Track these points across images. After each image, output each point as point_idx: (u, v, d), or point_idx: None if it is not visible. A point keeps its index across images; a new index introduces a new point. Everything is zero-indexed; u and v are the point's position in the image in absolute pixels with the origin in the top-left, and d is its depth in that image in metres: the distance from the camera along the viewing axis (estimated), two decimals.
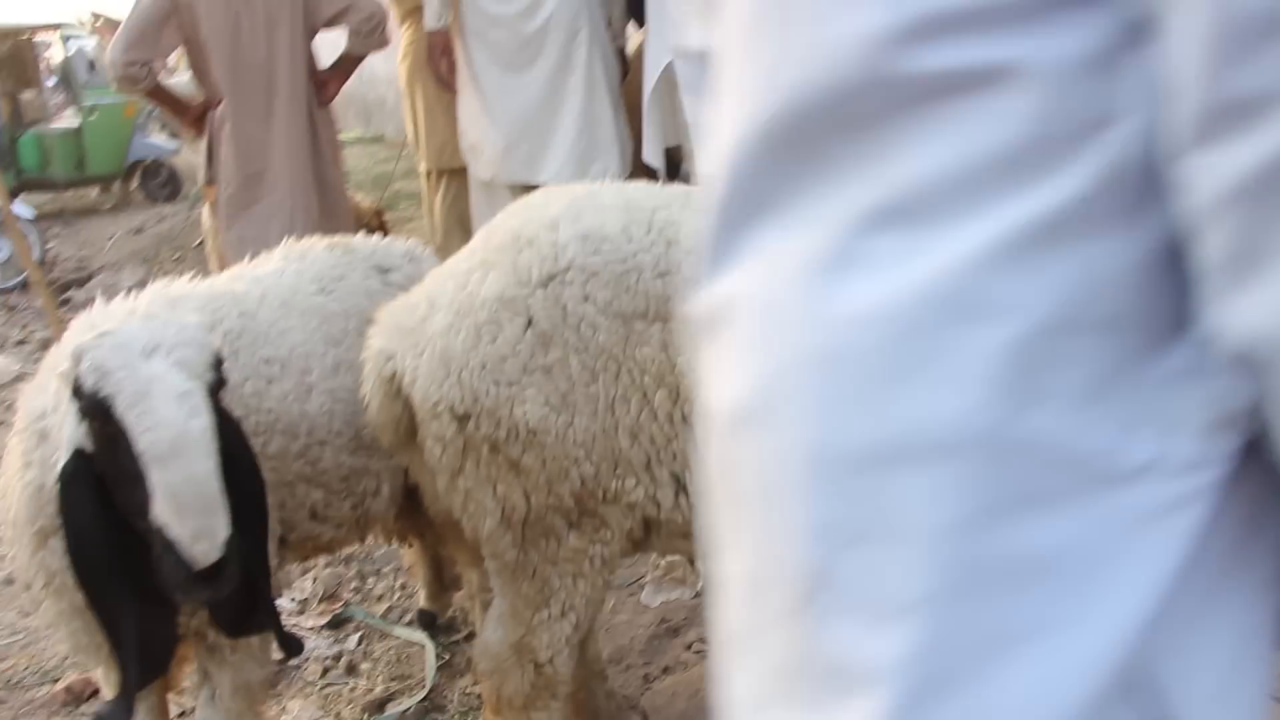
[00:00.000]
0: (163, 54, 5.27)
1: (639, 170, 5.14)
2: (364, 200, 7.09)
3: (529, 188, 5.25)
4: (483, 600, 3.16)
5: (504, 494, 2.13)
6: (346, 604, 3.85)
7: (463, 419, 2.08)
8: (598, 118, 4.89)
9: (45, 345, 7.84)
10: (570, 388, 2.04)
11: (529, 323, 2.02)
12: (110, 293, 7.80)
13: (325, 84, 5.06)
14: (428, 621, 3.57)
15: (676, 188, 2.24)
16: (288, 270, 2.71)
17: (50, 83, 16.50)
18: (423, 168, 5.87)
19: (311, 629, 3.70)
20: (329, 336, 2.56)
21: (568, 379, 2.03)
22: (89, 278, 9.57)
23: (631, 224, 2.09)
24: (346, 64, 5.12)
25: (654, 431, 2.09)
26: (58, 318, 6.29)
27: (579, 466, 2.08)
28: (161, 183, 14.24)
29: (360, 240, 2.92)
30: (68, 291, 9.26)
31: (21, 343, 8.16)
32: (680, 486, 2.14)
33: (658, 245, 2.07)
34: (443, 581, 3.57)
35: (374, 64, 17.68)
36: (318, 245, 2.86)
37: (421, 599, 3.62)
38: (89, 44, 15.44)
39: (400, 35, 5.89)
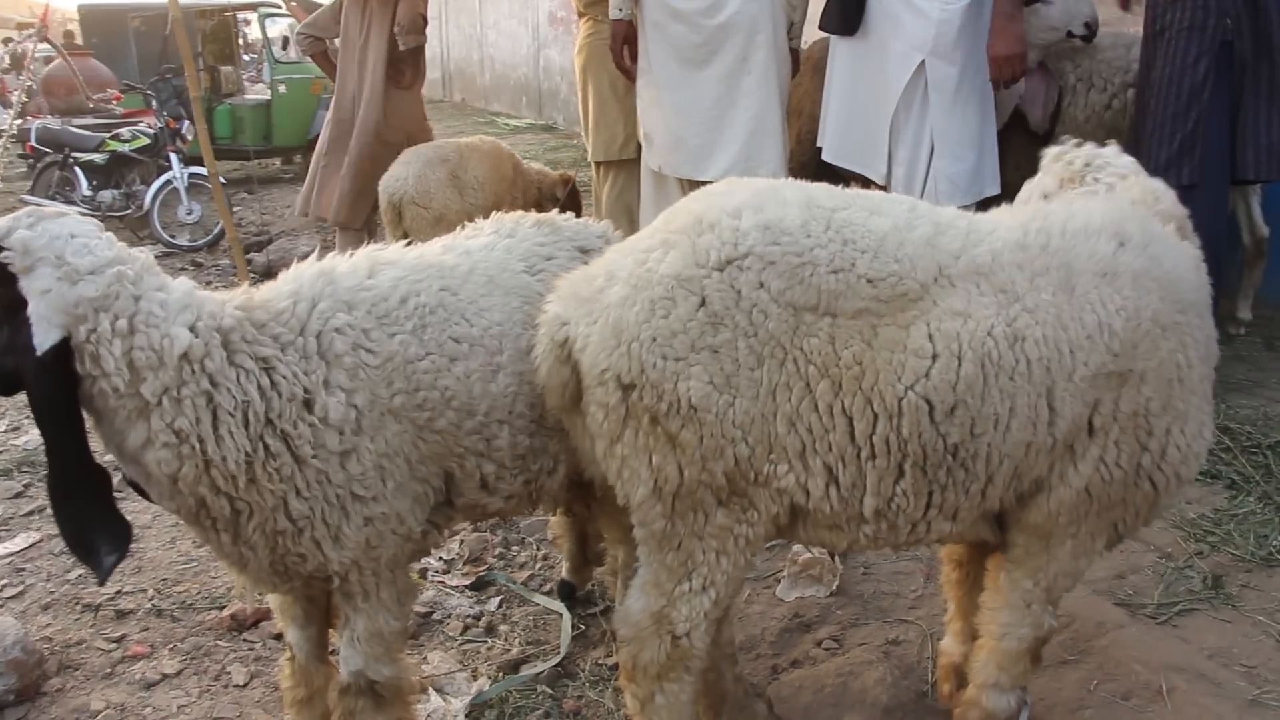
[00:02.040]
0: (329, 35, 7.49)
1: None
2: (548, 171, 7.32)
3: (696, 183, 5.40)
4: (625, 578, 3.24)
5: (659, 464, 2.21)
6: (490, 568, 4.01)
7: (627, 388, 2.17)
8: (768, 120, 4.94)
9: None
10: (735, 369, 2.11)
11: (702, 302, 2.10)
12: (287, 256, 8.20)
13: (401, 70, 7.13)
14: (567, 592, 3.71)
15: (854, 190, 2.29)
16: (498, 245, 2.79)
17: (247, 59, 17.39)
18: (591, 158, 6.03)
19: (456, 589, 3.87)
20: (529, 318, 2.60)
21: (734, 361, 2.11)
22: (269, 242, 10.05)
23: (811, 220, 2.15)
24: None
25: (813, 421, 2.15)
26: (245, 274, 6.64)
27: (735, 446, 2.16)
28: None
29: (563, 219, 2.99)
30: (248, 254, 9.76)
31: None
32: (832, 478, 2.20)
33: (834, 243, 2.13)
34: (586, 556, 3.69)
35: (550, 56, 18.08)
36: (525, 221, 2.93)
37: (563, 570, 3.75)
38: (284, 23, 16.19)
39: (578, 28, 6.09)
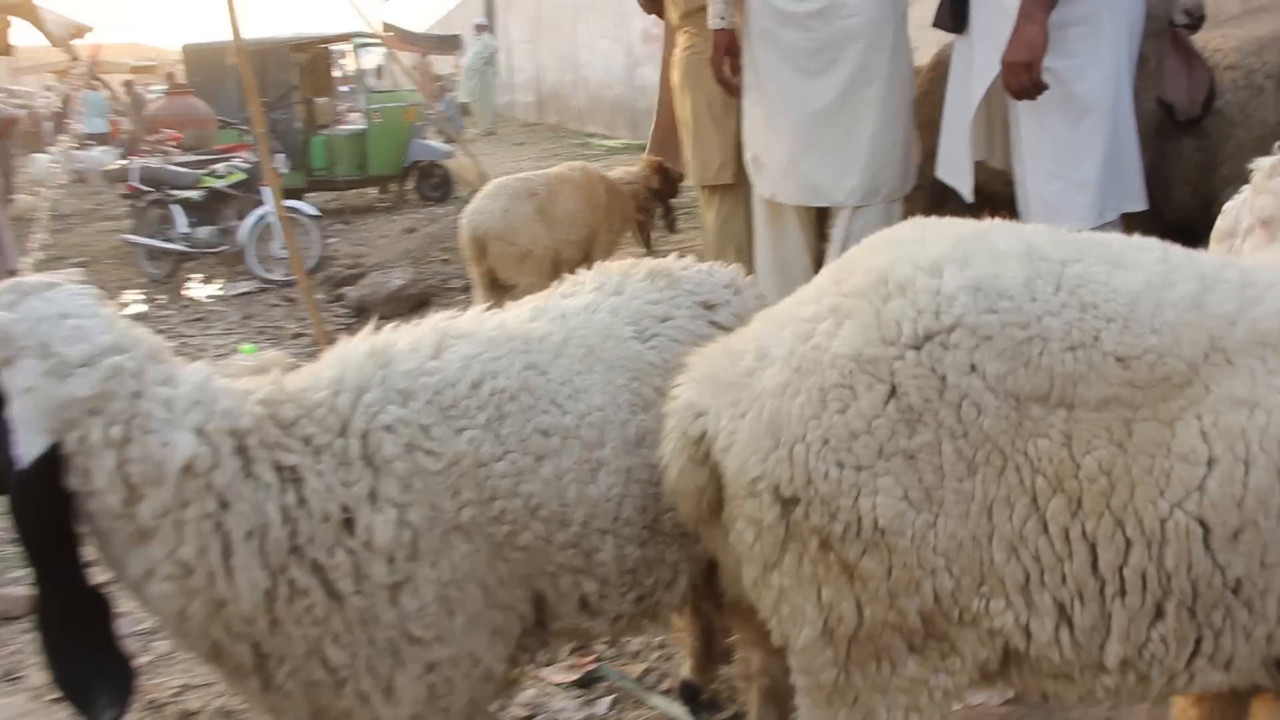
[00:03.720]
0: None
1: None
2: (635, 172, 6.86)
3: (817, 212, 4.84)
4: (761, 687, 2.75)
5: (830, 601, 1.69)
6: (599, 660, 3.51)
7: (789, 502, 1.66)
8: (893, 134, 4.36)
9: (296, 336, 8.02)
10: (938, 481, 1.57)
11: (892, 392, 1.57)
12: (380, 290, 7.86)
13: None
14: (690, 695, 3.19)
15: (1085, 235, 1.74)
16: (601, 306, 2.28)
17: (344, 90, 17.50)
18: (690, 182, 5.54)
19: (559, 686, 3.37)
20: (638, 398, 2.13)
21: (936, 470, 1.57)
22: (362, 274, 9.75)
23: (1037, 278, 1.60)
24: None
25: (1040, 546, 1.60)
26: (318, 315, 6.25)
27: (935, 579, 1.62)
28: (435, 184, 14.75)
29: (683, 268, 2.47)
30: (339, 288, 9.47)
31: (298, 336, 8.33)
32: (1065, 618, 1.65)
33: (1070, 309, 1.58)
34: (712, 653, 3.17)
35: (646, 73, 17.88)
36: (636, 273, 2.41)
37: (685, 667, 3.23)
38: (377, 52, 16.21)
39: (675, 41, 5.58)
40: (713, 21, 4.55)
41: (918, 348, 1.58)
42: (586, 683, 3.40)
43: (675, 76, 5.46)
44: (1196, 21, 4.37)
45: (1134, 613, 1.62)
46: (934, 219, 1.80)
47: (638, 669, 3.44)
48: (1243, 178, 4.57)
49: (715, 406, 1.76)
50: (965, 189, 4.02)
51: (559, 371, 2.09)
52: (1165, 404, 1.57)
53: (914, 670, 1.72)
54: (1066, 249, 1.67)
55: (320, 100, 14.97)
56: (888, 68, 4.30)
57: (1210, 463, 1.55)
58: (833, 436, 1.60)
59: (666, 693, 3.28)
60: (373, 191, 15.56)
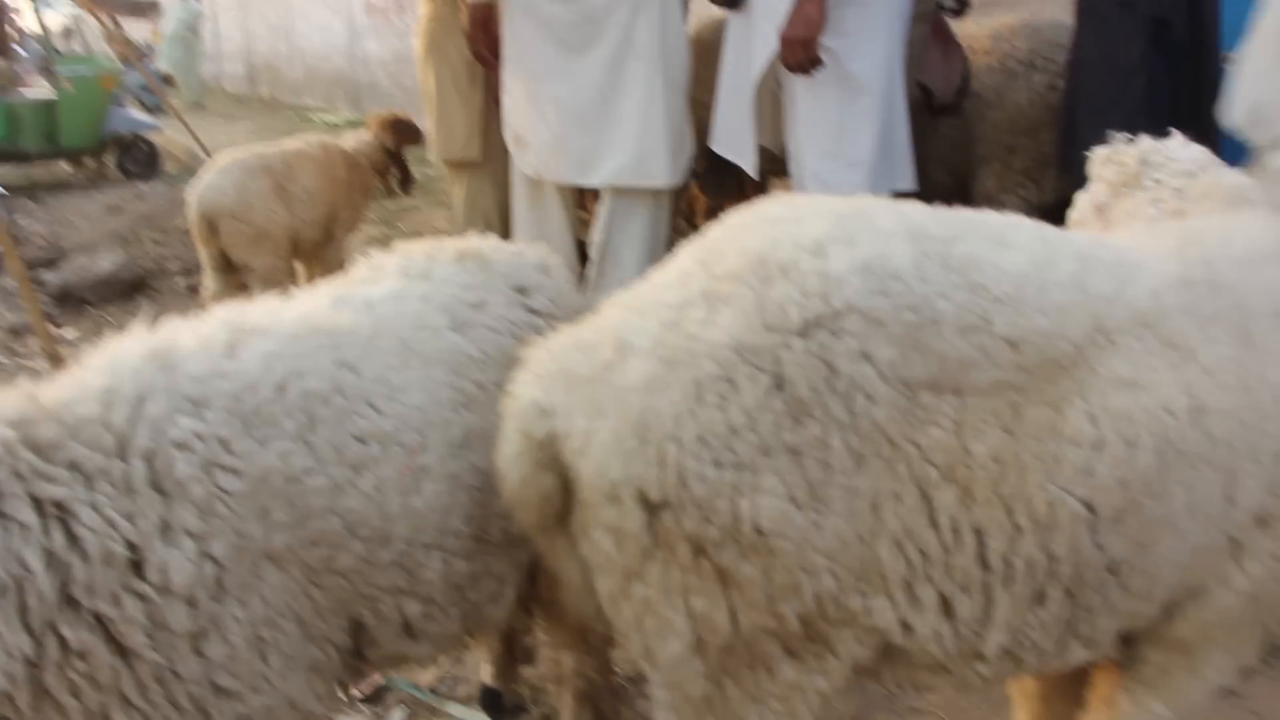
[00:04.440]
0: None
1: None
2: (366, 137, 6.52)
3: (580, 190, 4.69)
4: (575, 689, 2.59)
5: (702, 611, 1.55)
6: (388, 672, 3.25)
7: (657, 507, 1.51)
8: (663, 110, 4.26)
9: (15, 332, 7.15)
10: (825, 477, 1.46)
11: (777, 384, 1.44)
12: (86, 275, 7.06)
13: None
14: (491, 701, 2.99)
15: (961, 213, 1.66)
16: (410, 294, 2.04)
17: (22, 53, 15.87)
18: (431, 155, 5.30)
19: (346, 701, 3.10)
20: (460, 395, 1.91)
21: (823, 465, 1.45)
22: (61, 257, 8.84)
23: (925, 258, 1.51)
24: None
25: (927, 540, 1.52)
26: (34, 300, 5.54)
27: (817, 580, 1.51)
28: (139, 159, 13.60)
29: (493, 249, 2.25)
30: (35, 270, 8.54)
31: None
32: (948, 611, 1.58)
33: (960, 290, 1.50)
34: (513, 653, 2.98)
35: (367, 45, 17.21)
36: (441, 256, 2.18)
37: (484, 672, 3.03)
38: (66, 11, 14.82)
39: (419, 10, 5.29)
40: None
41: (805, 335, 1.45)
42: (375, 697, 3.14)
43: (418, 46, 5.17)
44: (962, 7, 4.51)
45: (1018, 600, 1.58)
46: (802, 195, 1.68)
47: (430, 677, 3.21)
48: (997, 157, 4.75)
49: (566, 405, 1.58)
50: (749, 164, 3.98)
51: (372, 369, 1.84)
52: (1053, 386, 1.52)
53: (790, 676, 1.61)
54: (949, 227, 1.59)
55: None
56: (656, 41, 4.19)
57: (1098, 445, 1.52)
58: (709, 434, 1.45)
59: (464, 699, 3.07)
60: (64, 165, 14.22)
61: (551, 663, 2.79)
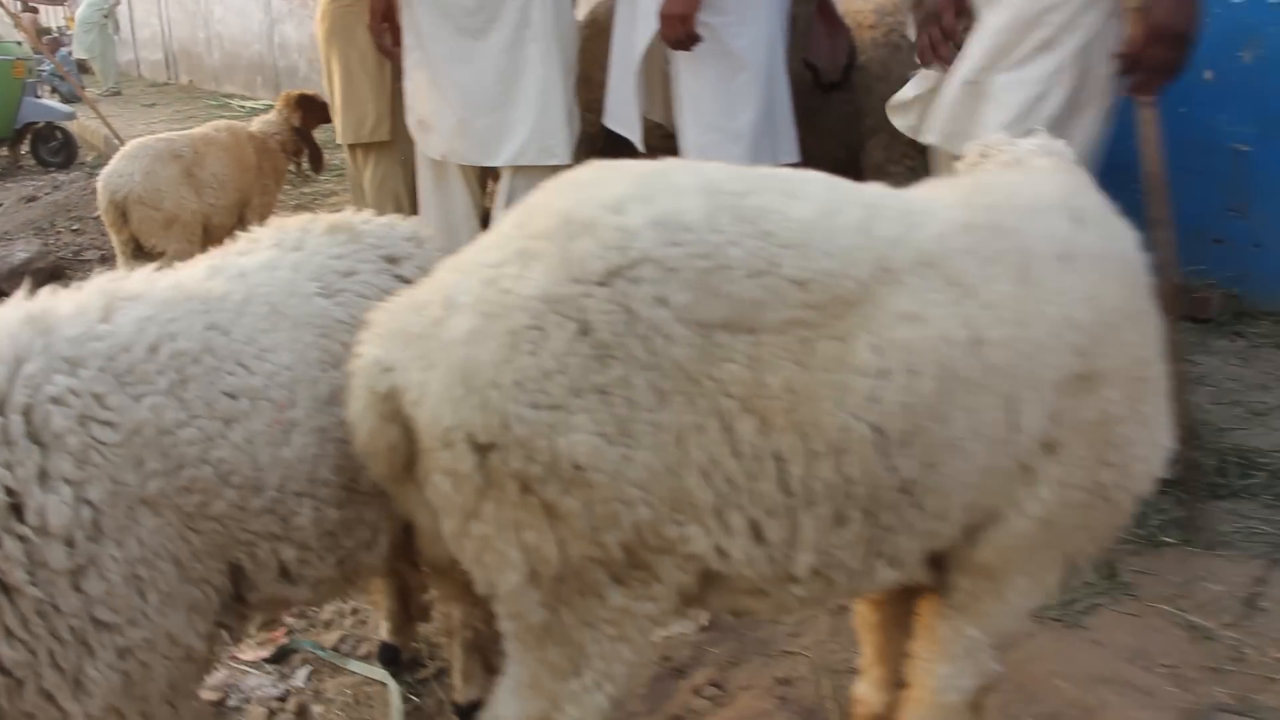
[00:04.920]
0: None
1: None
2: (271, 119, 6.57)
3: (484, 171, 4.79)
4: (464, 639, 2.73)
5: (533, 544, 1.69)
6: (291, 633, 3.37)
7: (485, 449, 1.64)
8: (561, 90, 4.38)
9: None
10: (632, 414, 1.60)
11: (583, 330, 1.58)
12: (1, 265, 7.04)
13: None
14: (390, 657, 3.11)
15: (761, 170, 1.81)
16: (282, 263, 2.16)
17: None
18: (340, 140, 5.35)
19: (250, 663, 3.21)
20: (328, 355, 2.04)
21: (629, 403, 1.59)
22: None
23: (718, 210, 1.65)
24: None
25: (732, 469, 1.66)
26: None
27: (633, 511, 1.65)
28: (55, 148, 13.43)
29: (363, 222, 2.39)
30: None
31: None
32: (758, 536, 1.73)
33: (750, 238, 1.63)
34: (409, 611, 3.11)
35: (285, 31, 17.02)
36: (315, 228, 2.31)
37: (382, 629, 3.16)
38: None
39: None
40: None
41: (605, 284, 1.58)
42: (279, 657, 3.25)
43: (319, 32, 5.23)
44: None
45: (820, 522, 1.73)
46: (612, 162, 1.82)
47: (333, 637, 3.32)
48: (885, 129, 4.93)
49: (403, 360, 1.71)
50: (635, 137, 4.13)
51: (242, 331, 1.97)
52: (840, 322, 1.67)
53: (619, 601, 1.75)
54: (744, 182, 1.72)
55: None
56: (551, 24, 4.29)
57: (883, 374, 1.67)
58: (525, 379, 1.59)
59: (366, 658, 3.19)
60: None
61: (443, 617, 2.93)
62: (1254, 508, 3.46)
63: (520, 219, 1.72)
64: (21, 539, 1.63)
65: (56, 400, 1.71)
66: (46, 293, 1.91)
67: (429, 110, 4.49)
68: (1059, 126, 3.00)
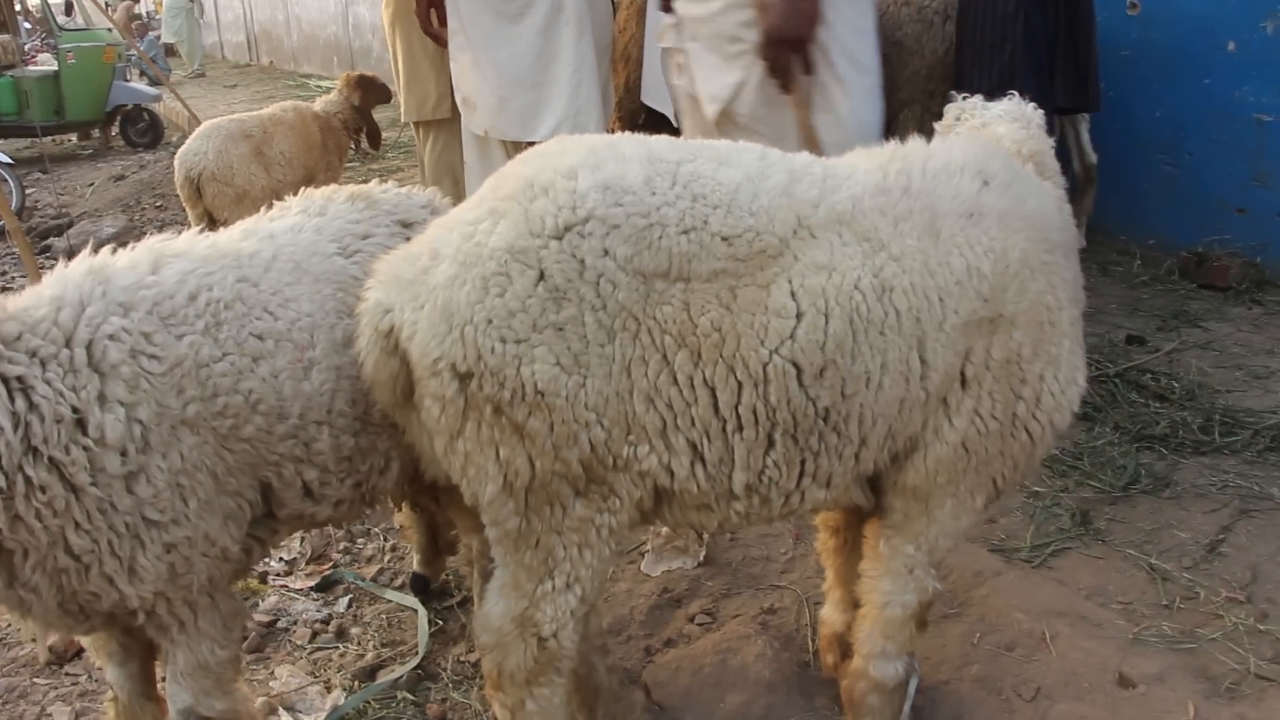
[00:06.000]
0: None
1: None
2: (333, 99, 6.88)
3: (523, 145, 5.09)
4: (481, 568, 3.03)
5: (507, 458, 1.99)
6: (335, 565, 3.74)
7: (464, 377, 1.94)
8: (592, 70, 4.66)
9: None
10: (584, 347, 1.89)
11: (541, 276, 1.88)
12: (89, 238, 7.56)
13: None
14: (420, 586, 3.46)
15: (700, 141, 2.09)
16: (306, 226, 2.49)
17: (27, 27, 16.22)
18: (404, 118, 5.69)
19: (300, 591, 3.58)
20: (344, 306, 2.34)
21: (581, 338, 1.89)
22: (69, 225, 9.33)
23: (655, 176, 1.94)
24: None
25: (672, 396, 1.95)
26: (35, 266, 6.06)
27: (589, 431, 1.95)
28: (142, 129, 14.02)
29: (381, 191, 2.70)
30: (48, 239, 9.04)
31: (4, 289, 7.93)
32: (698, 455, 2.01)
33: (683, 200, 1.92)
34: (438, 545, 3.44)
35: (359, 12, 17.42)
36: (338, 197, 2.63)
37: (414, 562, 3.50)
38: None
39: None
40: None
41: (559, 238, 1.88)
42: (325, 586, 3.61)
43: (385, 15, 5.57)
44: None
45: (751, 444, 2.01)
46: (577, 136, 2.11)
47: (372, 570, 3.68)
48: (918, 100, 5.12)
49: (399, 302, 2.01)
50: (669, 111, 4.41)
51: (269, 283, 2.29)
52: (762, 272, 1.94)
53: (581, 511, 2.05)
54: (681, 152, 2.01)
55: (1, 37, 13.93)
56: (584, 8, 4.58)
57: (798, 316, 1.94)
58: (494, 317, 1.89)
59: (400, 588, 3.53)
60: (73, 138, 14.70)
61: (465, 548, 3.26)
62: (1234, 463, 3.65)
63: (494, 183, 2.02)
64: (85, 448, 1.98)
65: (112, 337, 2.05)
66: (106, 251, 2.26)
67: (471, 89, 4.80)
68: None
